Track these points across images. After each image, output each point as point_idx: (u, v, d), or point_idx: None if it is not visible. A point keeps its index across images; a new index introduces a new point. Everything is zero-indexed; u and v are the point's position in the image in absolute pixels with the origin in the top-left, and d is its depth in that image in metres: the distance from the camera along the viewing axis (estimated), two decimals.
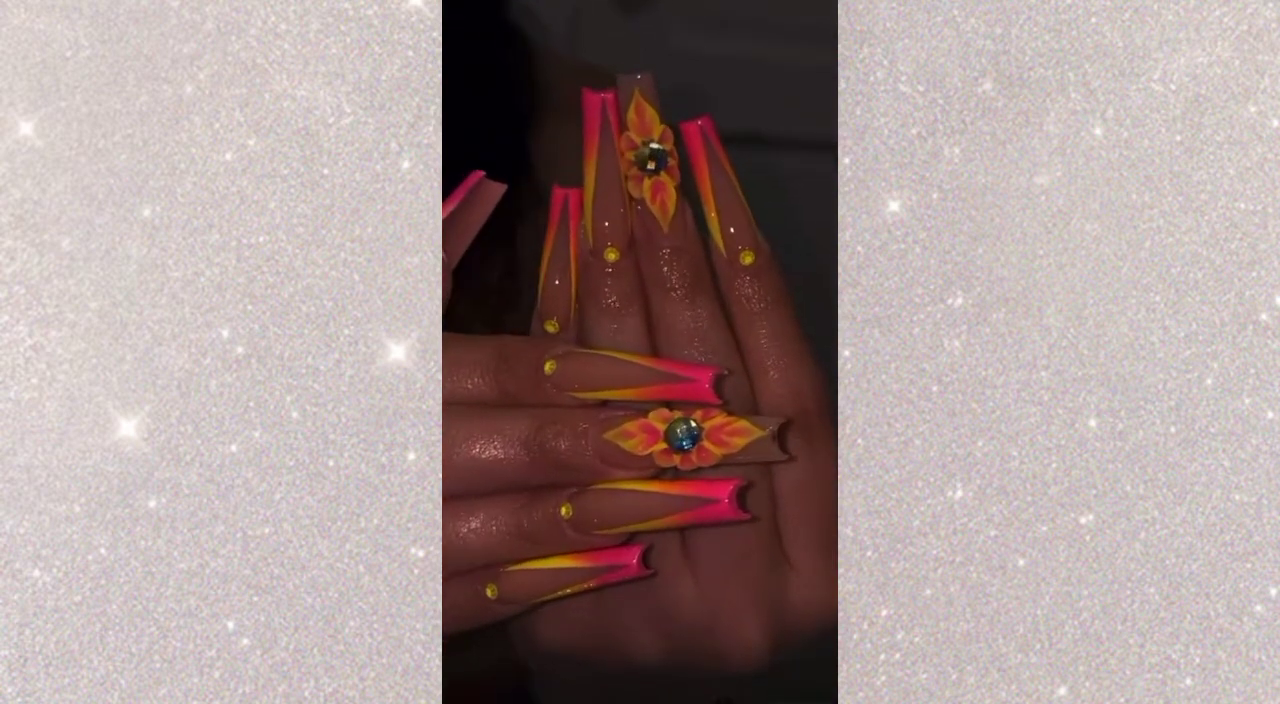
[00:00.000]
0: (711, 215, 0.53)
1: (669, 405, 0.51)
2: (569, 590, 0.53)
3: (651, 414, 0.51)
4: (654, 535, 0.53)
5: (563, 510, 0.51)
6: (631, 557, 0.52)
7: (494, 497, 0.52)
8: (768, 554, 0.53)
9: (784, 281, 0.54)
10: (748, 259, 0.53)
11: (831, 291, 0.53)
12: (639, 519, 0.51)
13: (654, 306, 0.53)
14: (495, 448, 0.51)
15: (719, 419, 0.51)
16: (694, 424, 0.51)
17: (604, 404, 0.52)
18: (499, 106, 0.75)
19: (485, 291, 0.64)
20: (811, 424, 0.53)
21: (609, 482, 0.51)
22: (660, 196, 0.52)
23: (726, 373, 0.51)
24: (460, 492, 0.52)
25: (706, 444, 0.51)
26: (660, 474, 0.52)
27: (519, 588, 0.53)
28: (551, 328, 0.54)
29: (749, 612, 0.54)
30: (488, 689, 0.66)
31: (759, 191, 0.54)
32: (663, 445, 0.51)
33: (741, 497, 0.51)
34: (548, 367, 0.51)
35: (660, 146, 0.52)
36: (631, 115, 0.52)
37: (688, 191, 0.53)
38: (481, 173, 0.54)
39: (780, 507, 0.54)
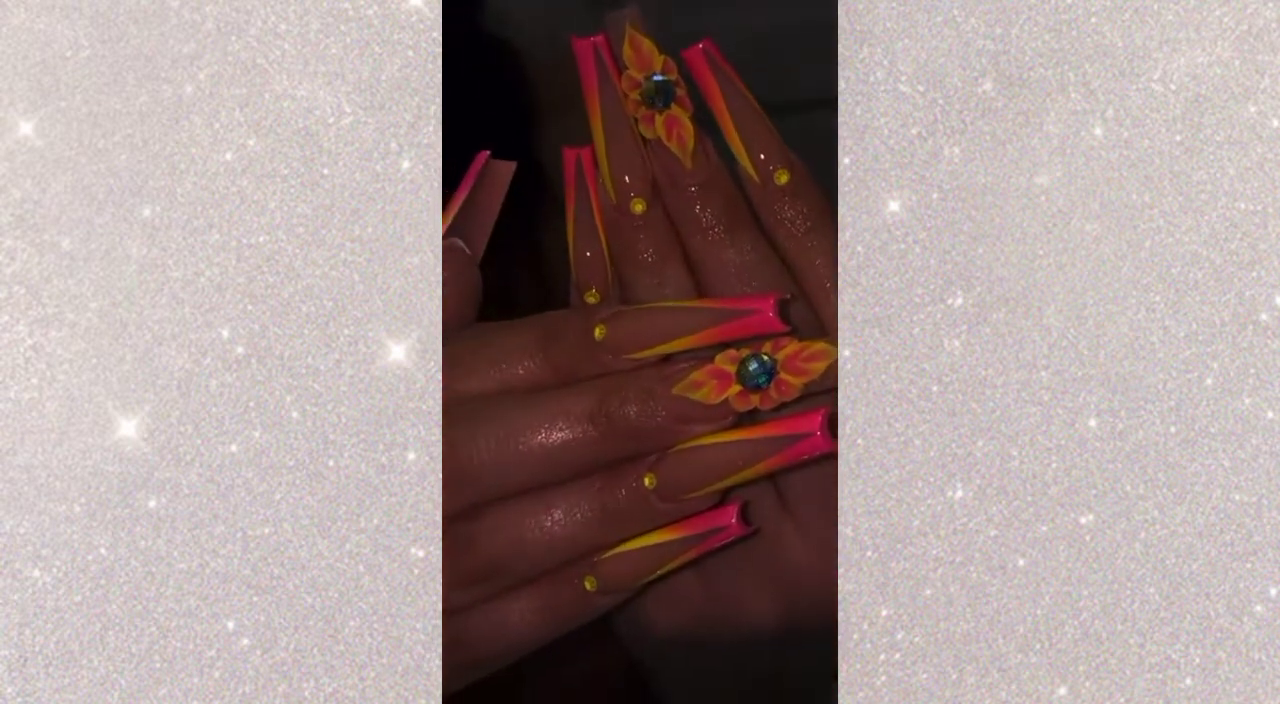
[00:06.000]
0: (734, 140, 0.49)
1: (734, 345, 0.47)
2: (672, 565, 0.49)
3: (718, 357, 0.47)
4: (747, 490, 0.49)
5: (646, 481, 0.48)
6: (729, 517, 0.48)
7: (570, 483, 0.48)
8: None
9: (823, 195, 0.50)
10: (782, 179, 0.49)
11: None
12: (729, 474, 0.48)
13: (693, 251, 0.49)
14: (562, 430, 0.48)
15: (792, 347, 0.47)
16: (766, 357, 0.47)
17: (665, 360, 0.48)
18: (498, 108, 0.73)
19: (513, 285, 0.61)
20: None
21: (689, 440, 0.48)
22: (676, 131, 0.48)
23: (788, 297, 0.47)
24: (533, 483, 0.48)
25: (784, 376, 0.47)
26: (741, 421, 0.48)
27: (619, 574, 0.49)
28: (592, 298, 0.51)
29: None
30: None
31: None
32: (737, 388, 0.47)
33: (834, 424, 0.47)
34: (598, 333, 0.48)
35: (665, 78, 0.48)
36: (627, 51, 0.48)
37: (704, 121, 0.49)
38: (487, 153, 0.51)
39: None
